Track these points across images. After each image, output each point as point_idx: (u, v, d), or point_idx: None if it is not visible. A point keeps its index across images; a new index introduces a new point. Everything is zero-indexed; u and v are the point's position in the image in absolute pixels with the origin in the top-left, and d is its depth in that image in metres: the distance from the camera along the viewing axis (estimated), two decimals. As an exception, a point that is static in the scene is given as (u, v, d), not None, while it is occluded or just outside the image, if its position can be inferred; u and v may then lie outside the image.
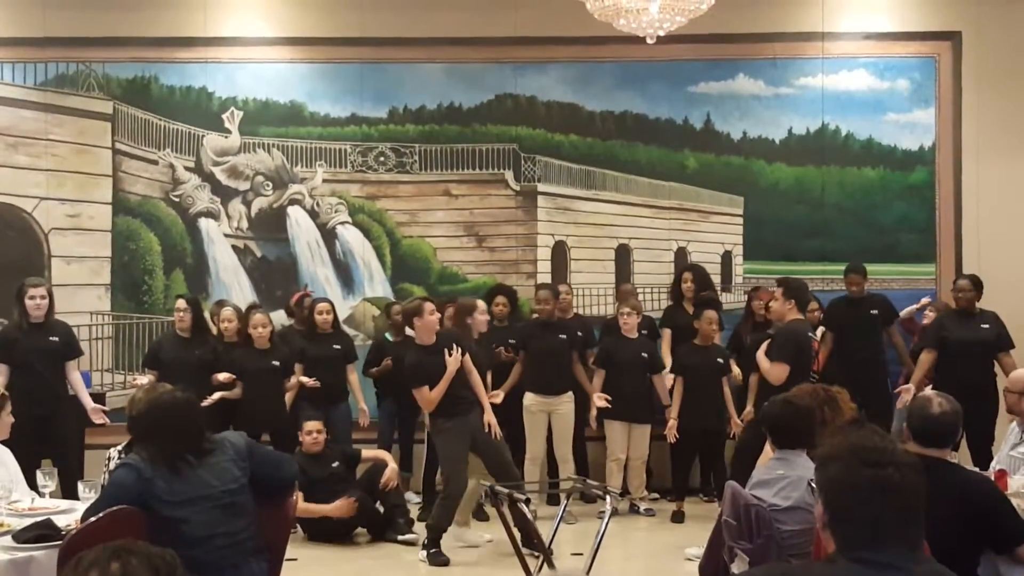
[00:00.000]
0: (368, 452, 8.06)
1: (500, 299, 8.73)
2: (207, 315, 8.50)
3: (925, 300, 8.99)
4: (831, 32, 9.47)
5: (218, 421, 7.63)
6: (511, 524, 6.48)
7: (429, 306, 7.25)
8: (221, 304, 8.57)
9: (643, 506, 8.48)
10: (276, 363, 8.13)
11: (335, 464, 7.79)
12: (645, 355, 8.32)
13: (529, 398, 8.36)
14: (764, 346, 7.22)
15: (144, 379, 7.72)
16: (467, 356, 7.27)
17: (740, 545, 4.46)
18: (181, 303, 8.13)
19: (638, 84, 9.53)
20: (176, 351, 8.03)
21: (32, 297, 7.41)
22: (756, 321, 8.66)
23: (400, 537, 7.60)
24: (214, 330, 8.35)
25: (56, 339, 7.52)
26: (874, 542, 2.34)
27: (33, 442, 6.76)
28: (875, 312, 8.71)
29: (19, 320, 7.45)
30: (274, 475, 4.49)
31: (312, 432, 7.74)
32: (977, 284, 8.31)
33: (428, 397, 7.15)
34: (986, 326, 8.23)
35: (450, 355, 7.12)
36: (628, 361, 8.29)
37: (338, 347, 8.47)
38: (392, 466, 7.81)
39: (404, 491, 8.56)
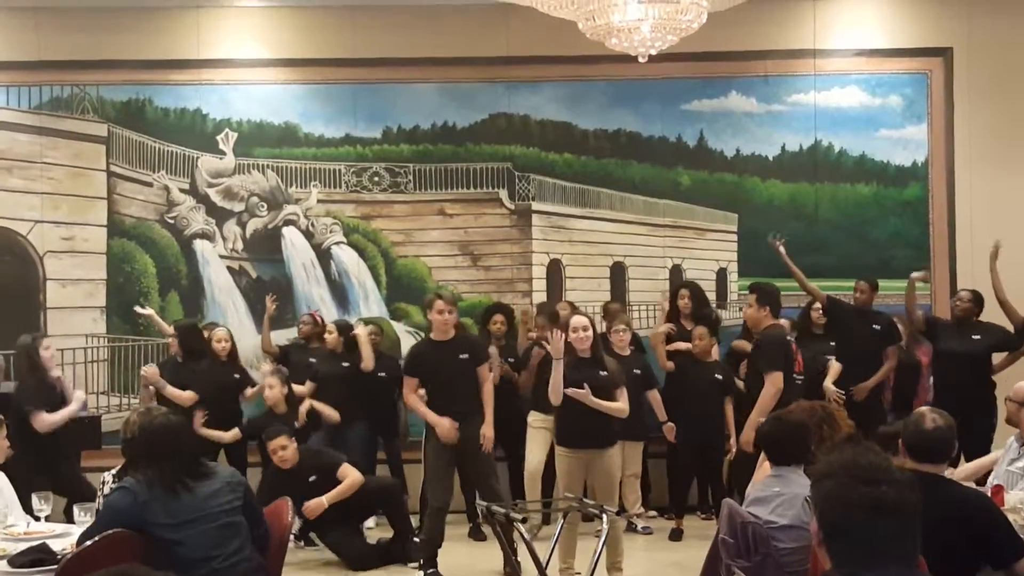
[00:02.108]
0: (343, 484, 7.51)
1: (498, 317, 8.68)
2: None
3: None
4: (823, 49, 9.50)
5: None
6: (506, 543, 6.46)
7: (440, 304, 7.12)
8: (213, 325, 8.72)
9: (640, 524, 8.46)
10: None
11: (312, 478, 7.46)
12: (638, 371, 8.27)
13: (533, 416, 8.24)
14: (744, 367, 7.23)
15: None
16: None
17: (737, 563, 4.45)
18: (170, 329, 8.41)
19: (631, 102, 9.55)
20: (173, 375, 8.16)
21: (47, 348, 7.49)
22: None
23: (411, 564, 7.41)
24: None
25: None
26: (869, 559, 2.33)
27: (30, 466, 6.74)
28: (877, 327, 8.66)
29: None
30: (251, 529, 4.43)
31: (276, 451, 7.38)
32: (978, 299, 8.31)
33: (414, 393, 7.19)
34: (977, 337, 8.23)
35: (460, 357, 7.06)
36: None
37: (347, 364, 8.43)
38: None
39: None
